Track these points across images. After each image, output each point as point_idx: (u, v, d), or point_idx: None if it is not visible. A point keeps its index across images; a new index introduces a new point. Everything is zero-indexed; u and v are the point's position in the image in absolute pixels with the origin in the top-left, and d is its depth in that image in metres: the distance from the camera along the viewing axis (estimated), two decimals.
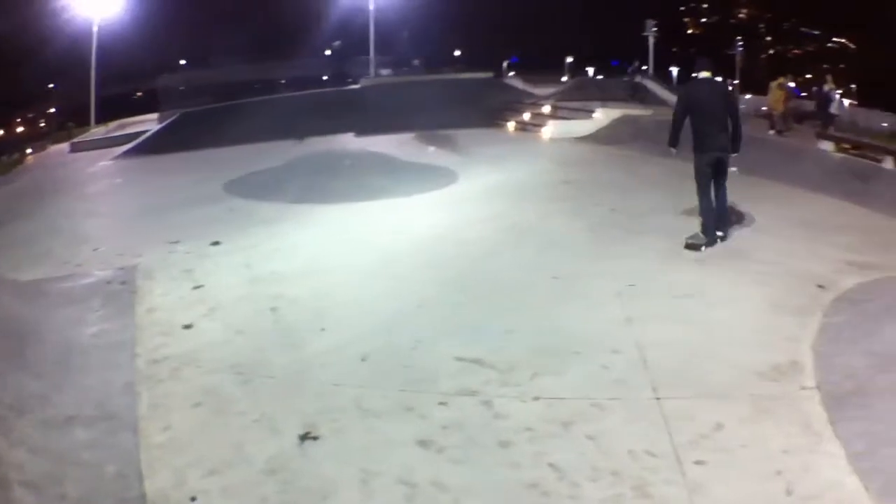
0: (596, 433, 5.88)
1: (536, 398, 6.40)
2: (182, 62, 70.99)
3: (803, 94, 36.53)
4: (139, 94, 65.68)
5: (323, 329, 8.14)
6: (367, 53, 54.98)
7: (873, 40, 65.71)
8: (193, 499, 5.09)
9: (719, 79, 14.31)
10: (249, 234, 12.28)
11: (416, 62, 62.98)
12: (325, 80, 52.75)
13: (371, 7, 51.65)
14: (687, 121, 10.95)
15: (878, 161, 19.22)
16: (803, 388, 6.71)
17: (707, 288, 9.28)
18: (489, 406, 6.37)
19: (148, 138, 29.54)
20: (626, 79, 40.60)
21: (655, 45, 54.12)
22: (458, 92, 32.94)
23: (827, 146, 21.63)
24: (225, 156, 21.23)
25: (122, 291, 9.50)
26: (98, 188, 20.36)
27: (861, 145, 21.39)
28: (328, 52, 64.37)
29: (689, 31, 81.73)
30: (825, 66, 62.65)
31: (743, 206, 12.76)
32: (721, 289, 9.25)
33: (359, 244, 11.64)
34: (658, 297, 8.97)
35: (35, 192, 19.81)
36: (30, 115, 75.57)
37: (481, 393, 6.58)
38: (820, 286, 9.21)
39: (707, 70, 11.08)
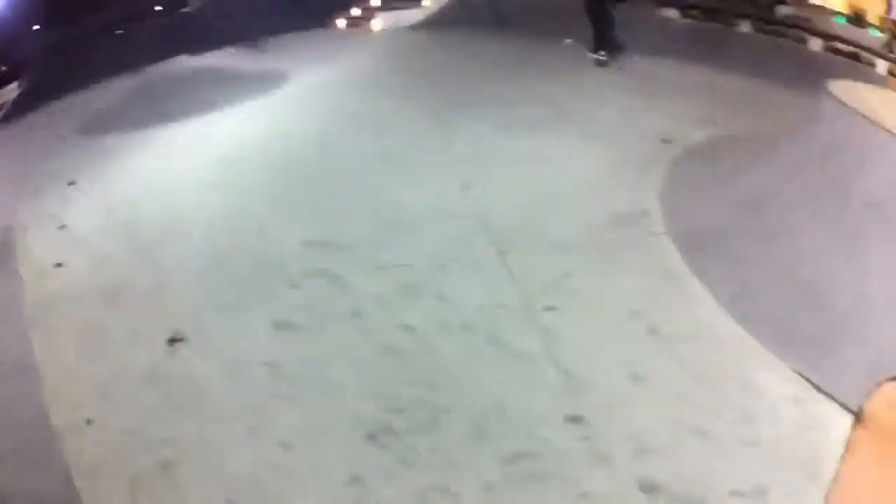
0: (444, 293, 6.75)
1: (382, 268, 7.22)
2: (35, 27, 68.09)
3: None
4: (2, 68, 63.11)
5: (180, 240, 8.84)
6: None
7: None
8: (89, 422, 5.84)
9: None
10: (104, 169, 12.44)
11: None
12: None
13: None
14: None
15: (733, 25, 19.41)
16: (653, 234, 7.50)
17: (547, 150, 10.02)
18: (338, 282, 7.26)
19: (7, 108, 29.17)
20: None
21: None
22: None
23: (671, 13, 21.57)
24: (75, 101, 20.94)
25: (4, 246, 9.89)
26: None
27: (712, 10, 21.23)
28: None
29: None
30: None
31: (579, 77, 13.67)
32: (561, 150, 9.97)
33: (199, 158, 12.06)
34: (496, 164, 9.77)
35: None
36: None
37: (329, 271, 7.45)
38: (665, 140, 9.82)
39: None
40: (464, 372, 5.89)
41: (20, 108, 21.34)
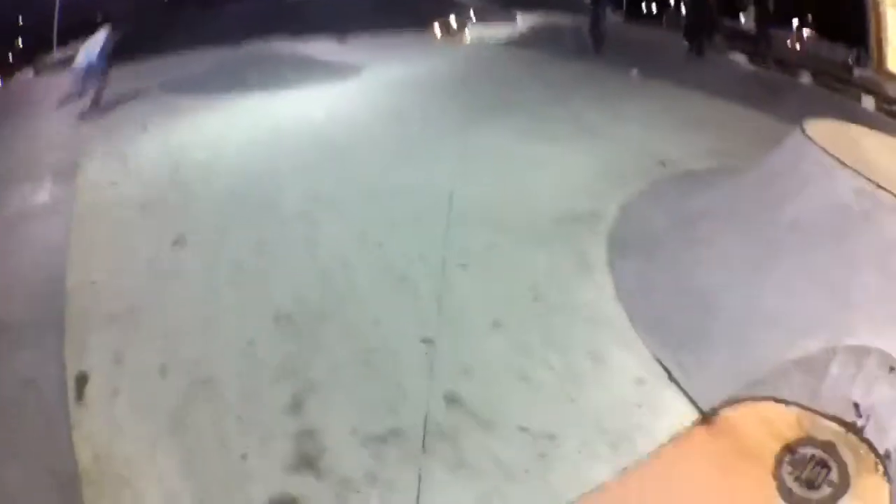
0: (384, 242, 8.47)
1: (351, 220, 9.03)
2: None
3: None
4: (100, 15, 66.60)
5: (209, 178, 10.97)
6: None
7: None
8: (94, 282, 7.89)
9: None
10: (172, 122, 14.75)
11: None
12: None
13: None
14: None
15: (795, 76, 20.18)
16: (593, 232, 8.62)
17: (550, 158, 11.41)
18: (314, 224, 9.10)
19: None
20: None
21: None
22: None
23: (740, 58, 22.77)
24: (165, 64, 22.93)
25: (68, 169, 12.09)
26: (51, 102, 22.75)
27: (779, 60, 22.26)
28: None
29: None
30: None
31: (621, 103, 14.65)
32: (562, 159, 11.32)
33: (253, 125, 14.26)
34: (496, 162, 11.30)
35: None
36: None
37: (314, 218, 9.29)
38: (661, 162, 10.68)
39: None
40: (367, 292, 7.52)
41: (114, 60, 23.81)
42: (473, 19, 30.87)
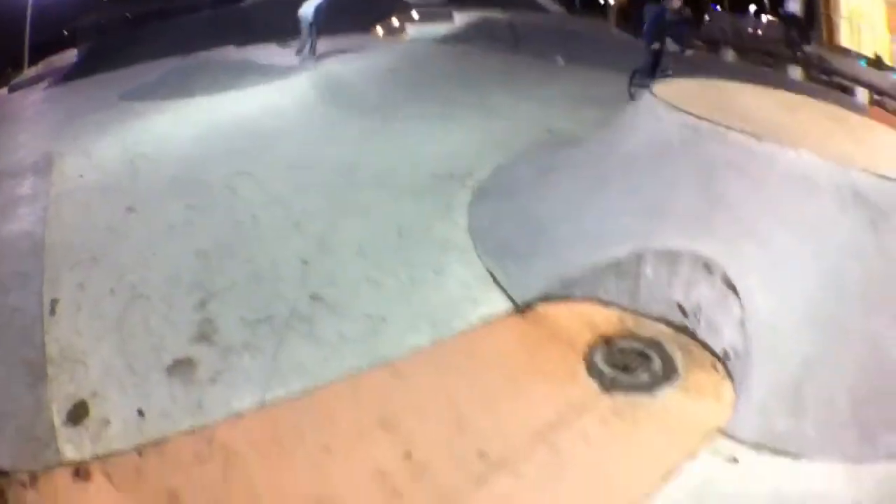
0: (289, 202, 10.70)
1: (284, 205, 10.93)
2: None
3: None
4: (65, 32, 68.47)
5: (156, 167, 13.36)
6: None
7: None
8: (67, 240, 10.22)
9: None
10: (128, 124, 17.27)
11: None
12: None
13: None
14: None
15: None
16: (464, 185, 10.46)
17: (445, 133, 13.46)
18: (235, 192, 11.48)
19: (66, 70, 34.08)
20: None
21: None
22: (338, 4, 37.25)
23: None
24: (123, 76, 25.28)
25: (44, 165, 14.44)
26: (27, 114, 24.99)
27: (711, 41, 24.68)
28: None
29: None
30: None
31: (539, 87, 16.89)
32: (456, 133, 13.18)
33: (197, 123, 16.76)
34: (401, 139, 13.53)
35: None
36: None
37: (235, 188, 11.64)
38: (548, 131, 12.36)
39: None
40: (266, 235, 9.70)
41: (79, 72, 26.39)
42: (415, 18, 33.01)
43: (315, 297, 7.94)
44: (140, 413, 6.39)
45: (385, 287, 8.05)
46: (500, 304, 7.22)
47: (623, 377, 5.88)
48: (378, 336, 7.15)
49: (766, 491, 4.70)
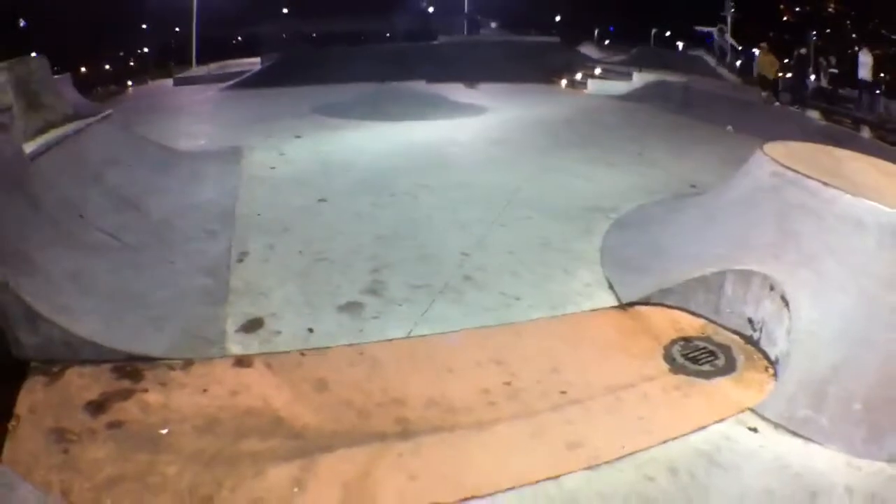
0: (458, 210, 12.65)
1: (454, 211, 12.99)
2: (284, 11, 77.19)
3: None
4: (238, 38, 72.98)
5: (346, 171, 15.72)
6: (459, 13, 61.79)
7: None
8: (259, 214, 12.46)
9: None
10: (321, 134, 20.15)
11: (493, 24, 68.70)
12: (410, 35, 58.80)
13: None
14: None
15: (857, 130, 23.10)
16: (606, 217, 12.12)
17: (601, 176, 15.35)
18: (415, 198, 13.54)
19: (251, 75, 37.67)
20: (680, 52, 46.44)
21: (738, 24, 57.80)
22: (525, 53, 39.57)
23: (813, 114, 26.18)
24: (315, 91, 28.80)
25: (233, 154, 17.12)
26: (208, 108, 28.59)
27: (849, 116, 25.54)
28: (426, 9, 71.32)
29: (784, 18, 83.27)
30: None
31: (702, 147, 18.25)
32: (610, 177, 15.22)
33: (386, 141, 19.44)
34: (561, 176, 15.40)
35: (153, 109, 27.76)
36: (120, 54, 78.97)
37: (416, 195, 13.72)
38: (693, 186, 13.59)
39: None
40: (437, 230, 11.52)
41: (271, 82, 29.45)
42: (597, 74, 34.81)
43: (467, 278, 9.64)
44: (310, 330, 7.91)
45: (522, 277, 9.66)
46: (609, 301, 8.66)
47: (690, 365, 7.08)
48: (509, 308, 8.52)
49: (772, 456, 5.65)
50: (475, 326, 8.35)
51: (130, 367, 7.24)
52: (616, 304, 8.82)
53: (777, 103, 28.60)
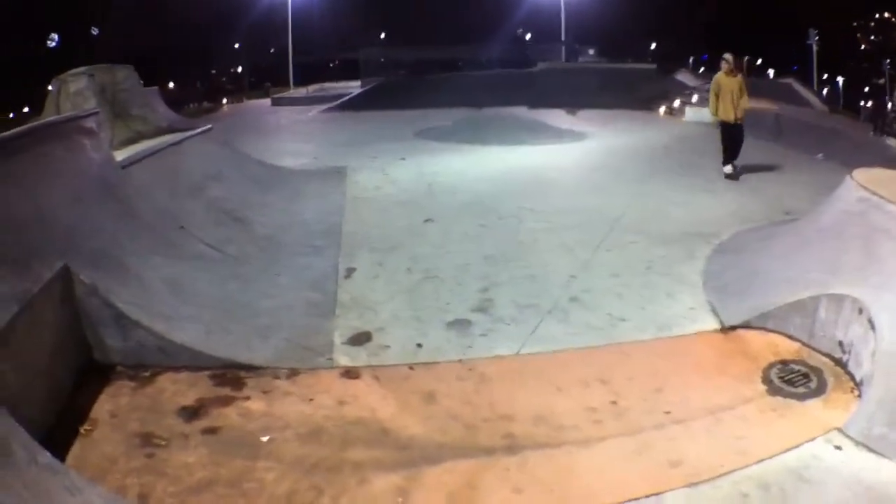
0: (563, 234, 12.58)
1: (559, 234, 12.93)
2: (382, 36, 78.16)
3: None
4: (336, 62, 74.03)
5: (451, 193, 15.93)
6: (556, 40, 62.02)
7: None
8: (365, 232, 12.68)
9: None
10: (424, 157, 20.52)
11: (590, 51, 68.66)
12: (508, 62, 59.03)
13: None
14: None
15: None
16: (707, 242, 11.98)
17: (700, 201, 15.16)
18: (520, 220, 13.57)
19: (352, 98, 38.36)
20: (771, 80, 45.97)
21: (822, 53, 57.07)
22: (622, 80, 39.44)
23: (893, 142, 25.89)
24: (416, 115, 29.34)
25: (337, 173, 17.54)
26: (309, 129, 29.29)
27: None
28: (522, 36, 71.77)
29: (862, 47, 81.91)
30: None
31: (789, 175, 17.99)
32: (709, 201, 15.08)
33: (488, 165, 19.64)
34: (661, 201, 15.16)
35: (252, 128, 28.72)
36: (212, 72, 79.97)
37: (521, 218, 13.76)
38: (787, 213, 13.22)
39: None
40: (544, 253, 11.54)
41: (372, 105, 29.75)
42: (693, 102, 34.51)
43: (573, 299, 9.61)
44: (418, 346, 8.06)
45: (628, 300, 9.59)
46: (711, 324, 8.68)
47: (786, 388, 7.19)
48: (615, 329, 8.60)
49: (850, 472, 5.68)
50: (582, 346, 8.36)
51: (231, 375, 7.36)
52: (718, 327, 8.83)
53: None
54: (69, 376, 6.89)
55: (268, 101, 46.99)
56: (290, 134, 26.88)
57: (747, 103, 17.39)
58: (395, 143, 22.02)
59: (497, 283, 10.19)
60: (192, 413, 6.62)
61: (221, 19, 69.96)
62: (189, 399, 6.84)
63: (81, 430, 6.21)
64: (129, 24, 59.54)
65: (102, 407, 6.62)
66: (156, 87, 21.78)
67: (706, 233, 12.39)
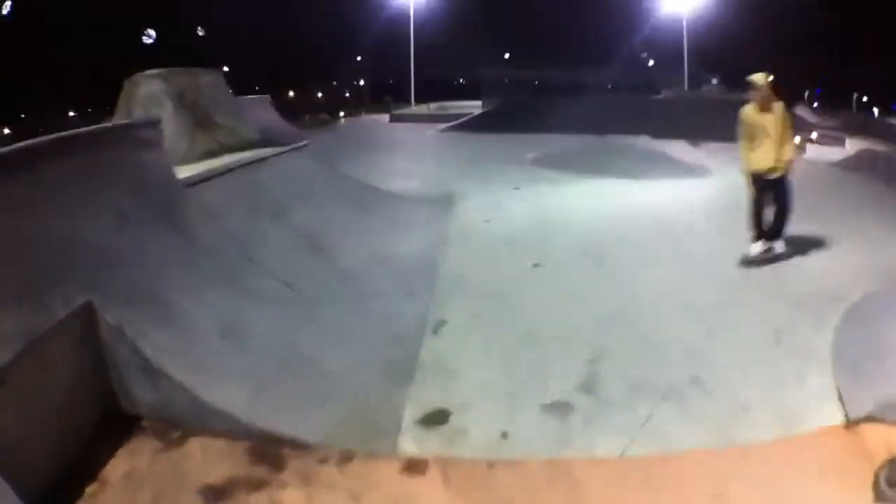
0: (687, 294, 11.41)
1: (682, 291, 11.42)
2: (506, 56, 77.98)
3: None
4: (461, 80, 74.07)
5: (564, 232, 14.72)
6: (678, 65, 60.64)
7: None
8: (464, 275, 11.65)
9: None
10: (539, 187, 19.44)
11: (713, 80, 67.01)
12: (632, 88, 58.09)
13: (684, 24, 57.89)
14: None
15: None
16: (834, 306, 10.10)
17: (826, 253, 13.40)
18: (638, 272, 12.24)
19: (472, 118, 37.72)
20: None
21: None
22: None
23: None
24: (535, 139, 28.39)
25: (444, 200, 16.63)
26: (424, 147, 28.69)
27: None
28: (646, 61, 70.62)
29: None
30: None
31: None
32: (833, 256, 13.11)
33: (607, 201, 18.17)
34: (790, 251, 13.23)
35: (366, 143, 28.71)
36: (333, 83, 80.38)
37: (640, 268, 12.41)
38: None
39: None
40: (663, 315, 9.97)
41: (491, 126, 28.90)
42: (813, 139, 33.06)
43: (693, 379, 8.26)
44: (503, 435, 6.86)
45: (752, 381, 8.20)
46: (836, 417, 7.44)
47: (892, 493, 6.13)
48: (736, 421, 7.38)
49: None
50: (698, 446, 6.99)
51: (272, 452, 6.26)
52: (843, 420, 7.44)
53: None
54: (88, 424, 6.08)
55: (386, 116, 46.95)
56: (404, 152, 26.21)
57: (793, 150, 12.40)
58: (511, 169, 21.09)
59: (607, 353, 8.88)
60: (215, 495, 5.66)
61: (346, 32, 70.72)
62: (217, 475, 5.87)
63: (87, 491, 5.44)
64: (242, 29, 60.08)
65: (118, 466, 5.80)
66: (267, 96, 21.12)
67: (833, 292, 10.83)
